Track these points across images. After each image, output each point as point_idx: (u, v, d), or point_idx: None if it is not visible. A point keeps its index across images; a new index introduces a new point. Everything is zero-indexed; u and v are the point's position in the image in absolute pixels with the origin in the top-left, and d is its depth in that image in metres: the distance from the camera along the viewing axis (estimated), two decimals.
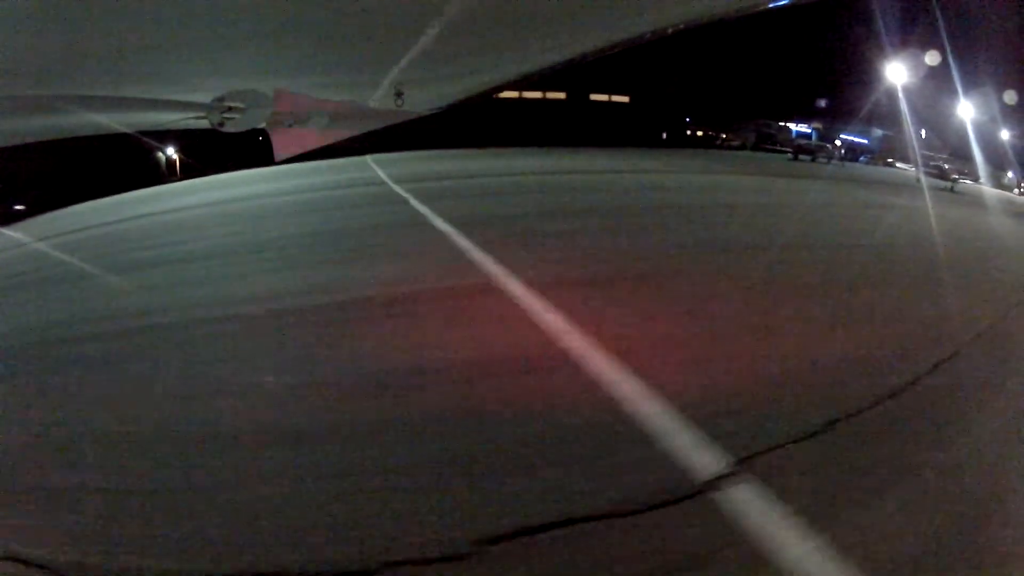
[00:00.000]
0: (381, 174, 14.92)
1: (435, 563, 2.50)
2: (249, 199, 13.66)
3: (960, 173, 23.67)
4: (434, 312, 5.52)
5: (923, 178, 21.19)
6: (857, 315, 5.77)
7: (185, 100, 11.58)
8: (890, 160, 26.19)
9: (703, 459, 3.11)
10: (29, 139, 12.07)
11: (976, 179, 23.79)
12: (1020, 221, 15.72)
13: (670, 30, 13.18)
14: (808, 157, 23.35)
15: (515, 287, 5.90)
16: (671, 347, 4.76)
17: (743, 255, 7.96)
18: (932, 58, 19.10)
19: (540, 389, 3.99)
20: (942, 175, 21.81)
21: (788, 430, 3.42)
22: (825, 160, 23.64)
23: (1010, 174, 25.64)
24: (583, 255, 7.66)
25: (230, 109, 11.70)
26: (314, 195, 13.45)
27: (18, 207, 16.36)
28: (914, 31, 19.27)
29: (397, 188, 12.66)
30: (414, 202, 11.11)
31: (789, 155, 23.89)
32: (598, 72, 17.77)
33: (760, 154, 24.94)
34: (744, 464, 3.07)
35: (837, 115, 25.15)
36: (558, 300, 5.47)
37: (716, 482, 2.92)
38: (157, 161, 18.70)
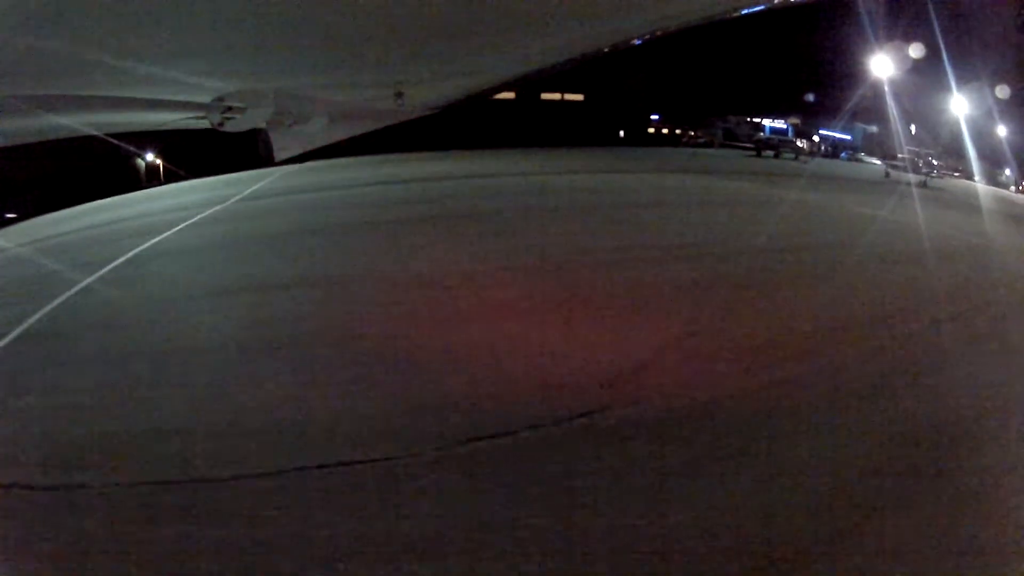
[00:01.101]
0: (254, 188, 13.25)
1: None
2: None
3: (954, 170, 23.59)
4: None
5: (893, 173, 20.90)
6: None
7: (185, 101, 11.61)
8: (859, 156, 26.04)
9: None
10: (29, 139, 12.08)
11: (969, 176, 23.73)
12: (977, 220, 14.28)
13: (670, 30, 13.27)
14: (772, 153, 23.25)
15: None
16: None
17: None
18: (921, 51, 18.86)
19: None
20: (916, 170, 21.57)
21: None
22: (792, 156, 23.54)
23: (1007, 172, 25.61)
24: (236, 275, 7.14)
25: (230, 109, 11.74)
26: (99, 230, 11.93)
27: (9, 215, 15.58)
28: (902, 23, 19.10)
29: (213, 210, 11.51)
30: (182, 227, 10.26)
31: (752, 152, 23.78)
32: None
33: (723, 151, 24.65)
34: None
35: (818, 111, 25.01)
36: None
37: None
38: (137, 167, 18.02)
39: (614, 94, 23.72)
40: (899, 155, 22.74)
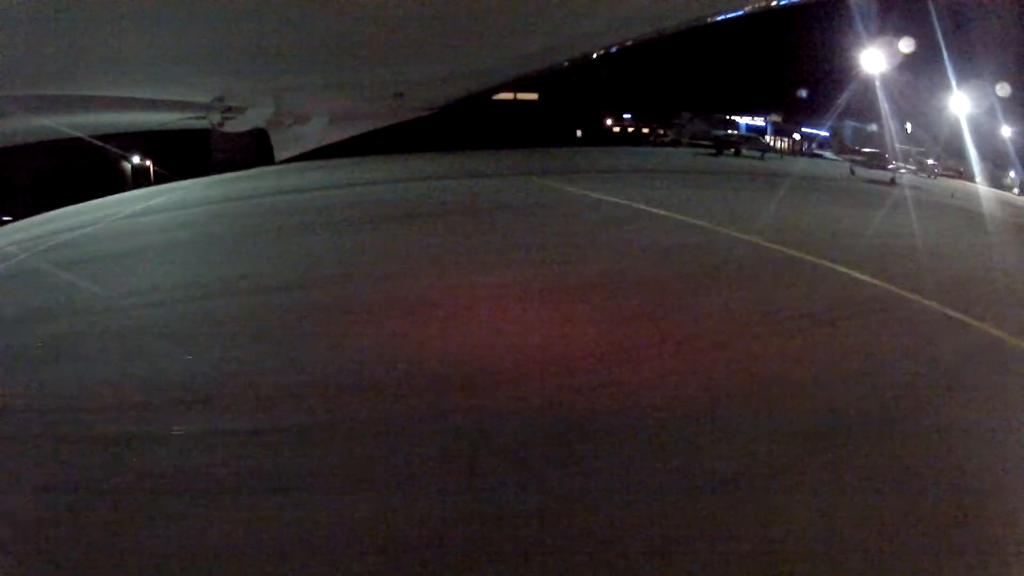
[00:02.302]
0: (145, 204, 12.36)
1: None
2: None
3: (954, 170, 23.34)
4: None
5: (859, 171, 20.46)
6: None
7: (185, 101, 11.60)
8: (818, 152, 25.66)
9: None
10: (29, 139, 12.08)
11: (969, 177, 23.46)
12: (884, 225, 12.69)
13: (670, 31, 13.21)
14: (732, 151, 22.93)
15: None
16: None
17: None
18: (913, 46, 18.37)
19: None
20: (884, 168, 21.19)
21: None
22: (759, 154, 23.25)
23: (1012, 173, 25.23)
24: None
25: (230, 109, 11.74)
26: None
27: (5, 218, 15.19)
28: (892, 18, 18.68)
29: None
30: None
31: (712, 150, 23.45)
32: None
33: (678, 150, 24.15)
34: None
35: (806, 108, 24.61)
36: None
37: None
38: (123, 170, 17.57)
39: (572, 93, 22.69)
40: (864, 149, 22.04)
